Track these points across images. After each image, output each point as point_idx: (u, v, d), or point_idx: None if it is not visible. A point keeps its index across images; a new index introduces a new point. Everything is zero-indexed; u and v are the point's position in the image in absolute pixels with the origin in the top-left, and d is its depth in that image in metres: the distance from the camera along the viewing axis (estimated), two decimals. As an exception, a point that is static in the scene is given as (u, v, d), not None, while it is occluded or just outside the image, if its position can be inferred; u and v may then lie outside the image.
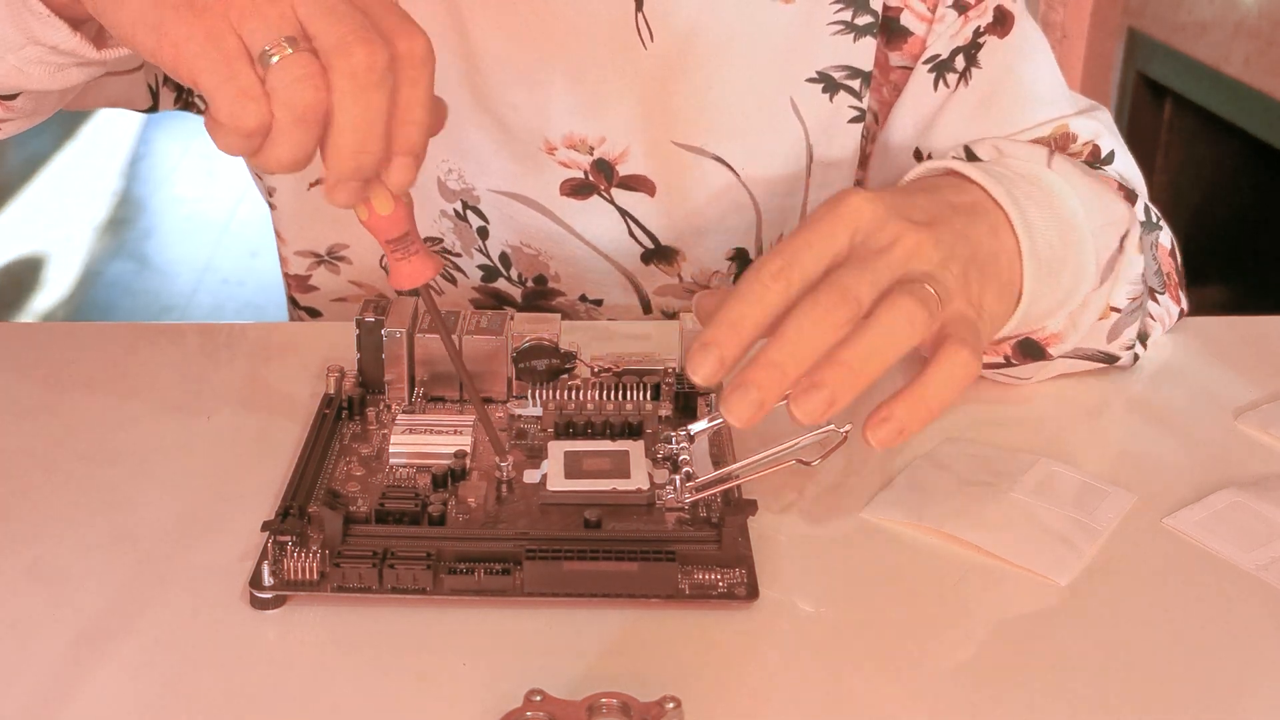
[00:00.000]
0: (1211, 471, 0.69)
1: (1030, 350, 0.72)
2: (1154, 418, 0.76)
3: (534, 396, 0.69)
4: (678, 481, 0.62)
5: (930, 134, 0.84)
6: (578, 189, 0.85)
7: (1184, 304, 0.82)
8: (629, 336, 0.82)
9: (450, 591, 0.58)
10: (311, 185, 0.89)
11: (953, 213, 0.63)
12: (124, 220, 3.41)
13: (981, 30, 0.82)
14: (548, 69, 0.82)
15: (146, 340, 0.81)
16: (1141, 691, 0.55)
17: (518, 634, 0.57)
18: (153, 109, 0.87)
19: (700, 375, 0.57)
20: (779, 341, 0.56)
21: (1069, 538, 0.63)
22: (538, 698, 0.52)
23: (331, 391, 0.70)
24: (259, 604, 0.58)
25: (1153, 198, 0.83)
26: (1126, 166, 0.83)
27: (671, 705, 0.52)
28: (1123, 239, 0.71)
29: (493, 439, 0.63)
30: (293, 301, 0.95)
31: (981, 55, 0.83)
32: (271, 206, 0.91)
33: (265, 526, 0.60)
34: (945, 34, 0.83)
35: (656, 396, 0.70)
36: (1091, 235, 0.68)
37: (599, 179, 0.85)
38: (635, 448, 0.64)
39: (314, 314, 0.94)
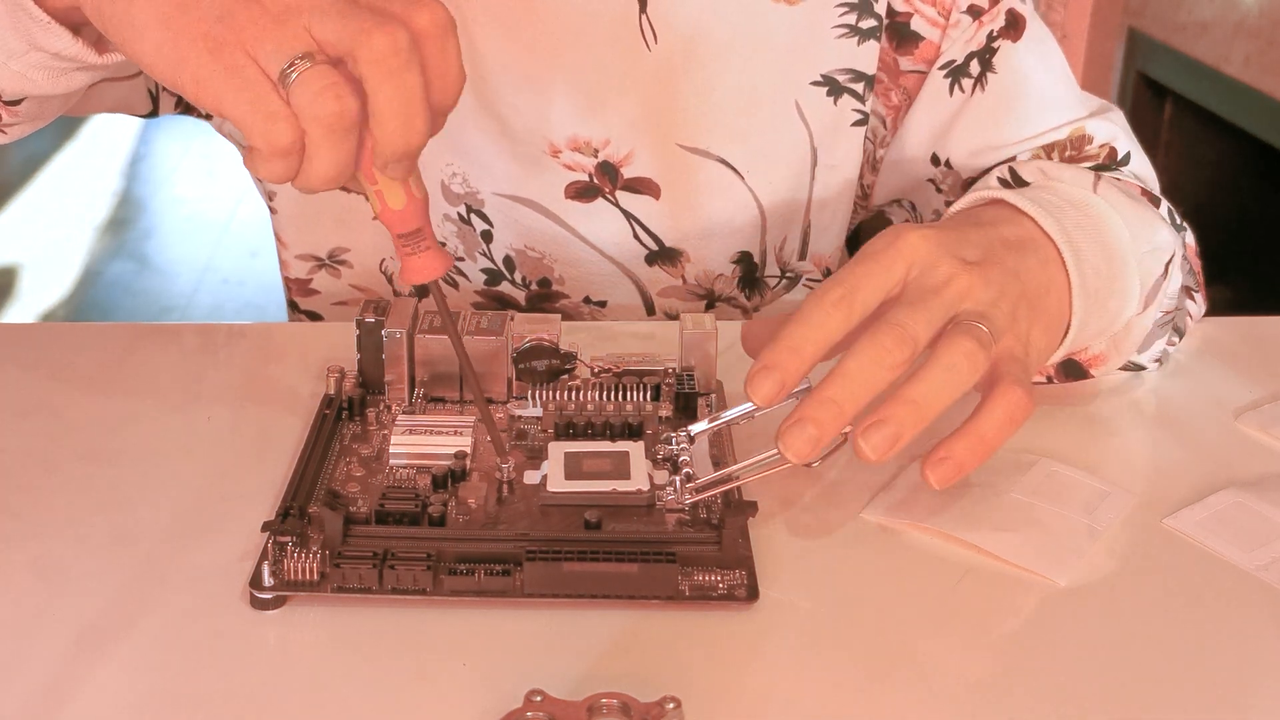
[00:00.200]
0: (1211, 471, 0.69)
1: (1073, 371, 0.72)
2: (1154, 418, 0.76)
3: (534, 397, 0.69)
4: (678, 482, 0.62)
5: (947, 139, 0.84)
6: (582, 192, 0.85)
7: (1203, 303, 0.83)
8: (630, 336, 0.82)
9: (450, 592, 0.58)
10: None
11: (1004, 249, 0.64)
12: (124, 220, 3.41)
13: (995, 34, 0.83)
14: (551, 71, 0.82)
15: (146, 340, 0.81)
16: (1142, 691, 0.55)
17: (518, 634, 0.57)
18: (153, 114, 0.87)
19: (760, 396, 0.59)
20: (838, 379, 0.58)
21: (1069, 538, 0.63)
22: (538, 698, 0.52)
23: (332, 392, 0.70)
24: (259, 604, 0.58)
25: (1154, 198, 0.83)
26: (1142, 167, 0.84)
27: (671, 705, 0.52)
28: (1167, 264, 0.72)
29: (495, 440, 0.63)
30: (293, 305, 0.95)
31: (996, 59, 0.83)
32: (272, 210, 0.91)
33: (265, 527, 0.60)
34: (960, 39, 0.83)
35: (656, 397, 0.70)
36: (1137, 262, 0.69)
37: (603, 181, 0.85)
38: (635, 449, 0.64)
39: (314, 318, 0.94)
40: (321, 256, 0.91)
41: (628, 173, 0.85)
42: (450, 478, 0.63)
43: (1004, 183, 0.74)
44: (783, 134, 0.85)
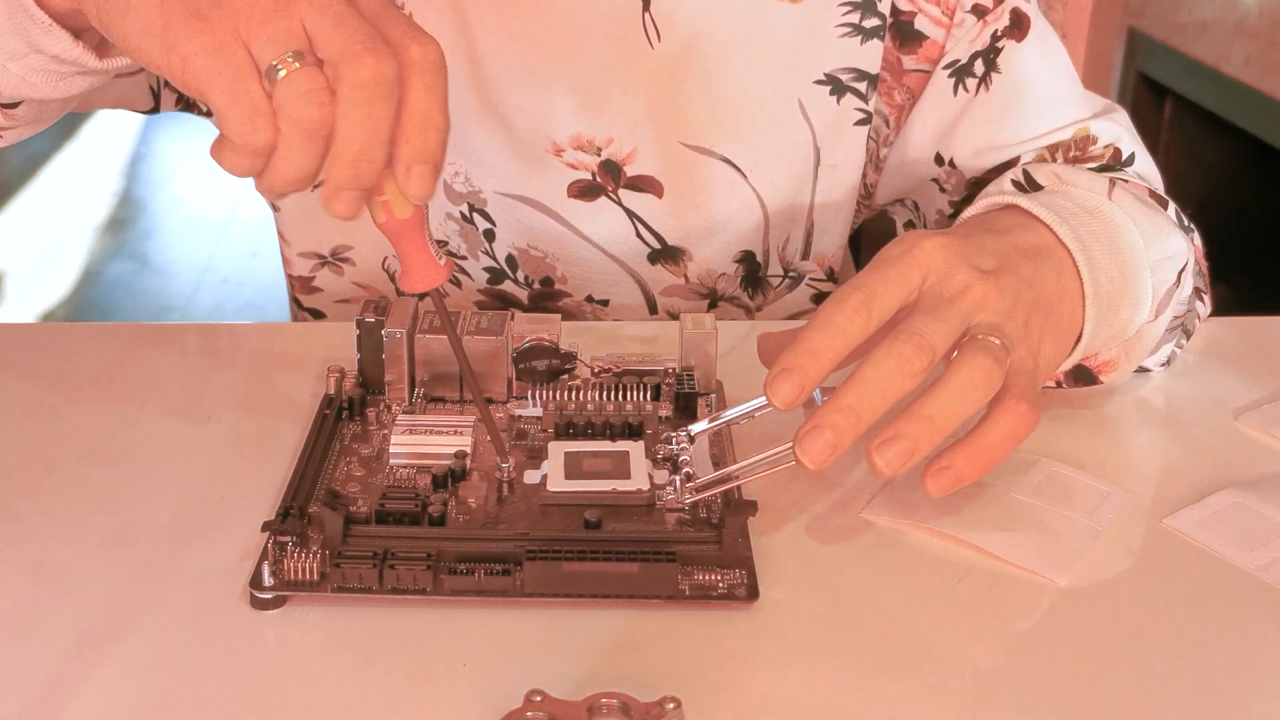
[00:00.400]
0: (1211, 471, 0.69)
1: (1082, 377, 0.72)
2: (1154, 418, 0.76)
3: (534, 397, 0.69)
4: (678, 482, 0.62)
5: (950, 139, 0.84)
6: (585, 190, 0.85)
7: (1209, 303, 0.83)
8: (632, 339, 0.82)
9: (450, 592, 0.58)
10: (314, 187, 0.89)
11: (1020, 257, 0.65)
12: (124, 220, 3.41)
13: (999, 34, 0.83)
14: (554, 70, 0.82)
15: (147, 341, 0.81)
16: (1142, 691, 0.55)
17: (518, 634, 0.57)
18: (154, 110, 0.87)
19: (779, 398, 0.59)
20: (856, 386, 0.58)
21: (1069, 538, 0.63)
22: (538, 698, 0.52)
23: (332, 392, 0.70)
24: (259, 604, 0.58)
25: (1155, 198, 0.83)
26: (1147, 168, 0.84)
27: (671, 705, 0.52)
28: (1180, 272, 0.72)
29: (495, 441, 0.63)
30: (296, 302, 0.95)
31: (1000, 59, 0.83)
32: (274, 208, 0.91)
33: (265, 527, 0.60)
34: (964, 39, 0.83)
35: (657, 397, 0.70)
36: (1150, 270, 0.69)
37: (606, 180, 0.85)
38: (635, 448, 0.64)
39: (317, 315, 0.94)
40: (324, 254, 0.91)
41: (630, 171, 0.85)
42: (450, 477, 0.63)
43: (1018, 186, 0.74)
44: (785, 133, 0.85)
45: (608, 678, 0.55)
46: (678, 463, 0.63)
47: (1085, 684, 0.55)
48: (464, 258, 0.89)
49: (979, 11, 0.82)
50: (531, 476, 0.64)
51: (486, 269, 0.89)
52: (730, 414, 0.65)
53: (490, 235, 0.88)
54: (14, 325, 0.84)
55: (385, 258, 0.91)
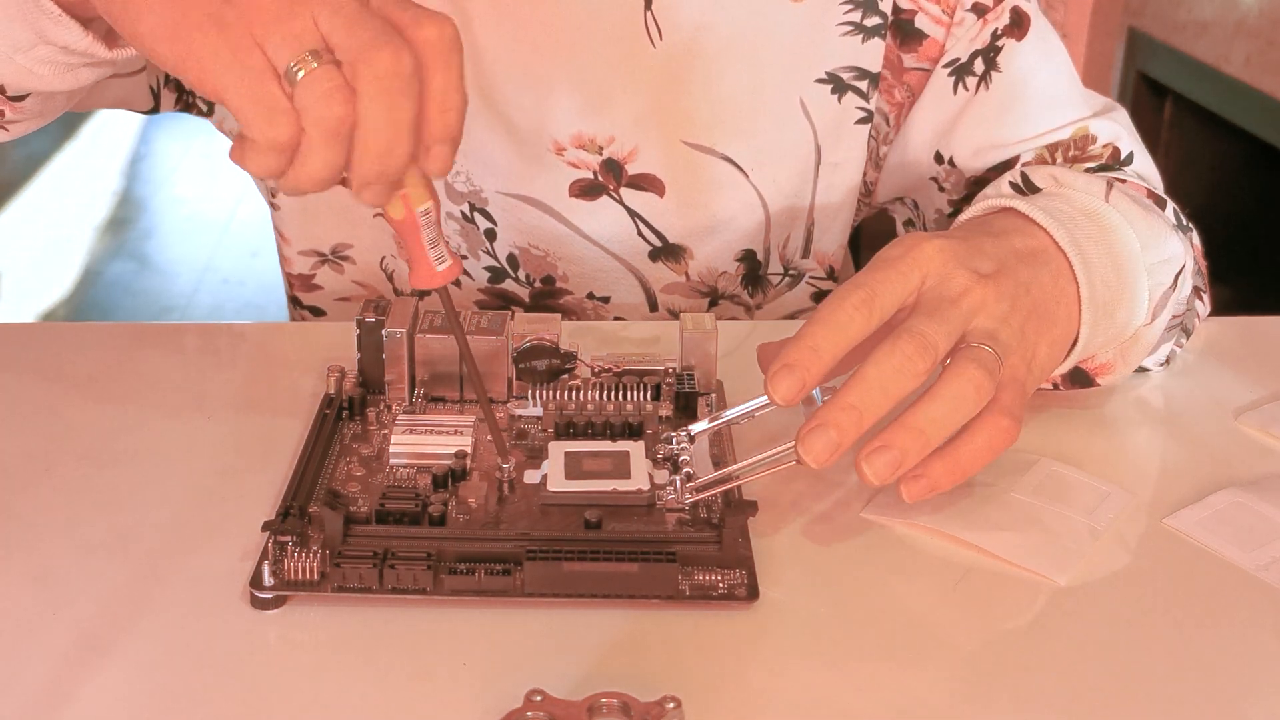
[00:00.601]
0: (1211, 471, 0.69)
1: (1079, 379, 0.73)
2: (1154, 418, 0.76)
3: (534, 397, 0.69)
4: (678, 482, 0.62)
5: (950, 137, 0.84)
6: (586, 189, 0.85)
7: (1209, 303, 0.83)
8: (633, 341, 0.82)
9: (450, 592, 0.58)
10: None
11: (1017, 261, 0.65)
12: (124, 220, 3.41)
13: (999, 33, 0.83)
14: (555, 69, 0.82)
15: (147, 340, 0.81)
16: (1142, 691, 0.55)
17: (518, 634, 0.57)
18: (154, 110, 0.87)
19: (780, 394, 0.59)
20: (859, 385, 0.59)
21: (1069, 538, 0.63)
22: (538, 698, 0.52)
23: (332, 392, 0.70)
24: (259, 604, 0.58)
25: (1155, 198, 0.83)
26: (1146, 167, 0.84)
27: (671, 705, 0.52)
28: (1177, 275, 0.72)
29: (497, 441, 0.63)
30: (294, 301, 0.95)
31: (1000, 58, 0.83)
32: (273, 206, 0.91)
33: (266, 526, 0.60)
34: (964, 37, 0.83)
35: (657, 397, 0.70)
36: (1146, 273, 0.69)
37: (608, 179, 0.85)
38: (635, 448, 0.64)
39: (317, 313, 0.94)
40: (324, 252, 0.91)
41: (632, 170, 0.85)
42: (450, 477, 0.63)
43: (1016, 188, 0.74)
44: (787, 131, 0.85)
45: (608, 678, 0.55)
46: (678, 463, 0.63)
47: (1085, 683, 0.55)
48: (465, 257, 0.89)
49: (979, 10, 0.82)
50: (532, 476, 0.64)
51: (487, 268, 0.89)
52: (730, 414, 0.65)
53: (491, 234, 0.88)
54: (14, 325, 0.84)
55: (384, 256, 0.91)
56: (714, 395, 0.71)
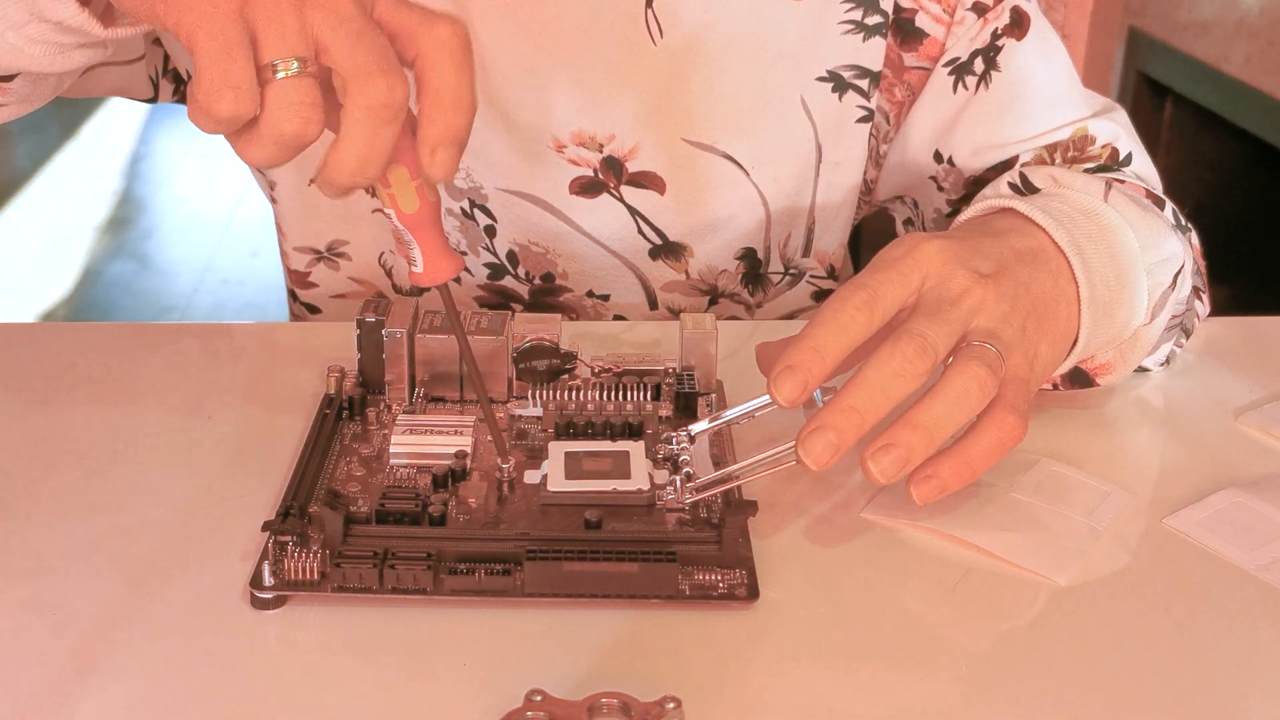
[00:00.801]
0: (1211, 471, 0.69)
1: (1079, 379, 0.73)
2: (1154, 418, 0.76)
3: (534, 397, 0.69)
4: (678, 482, 0.62)
5: (950, 137, 0.85)
6: (587, 187, 0.86)
7: (1208, 302, 0.83)
8: (634, 343, 0.82)
9: (450, 592, 0.58)
10: (311, 181, 0.89)
11: (1016, 261, 0.65)
12: (124, 220, 3.41)
13: (999, 32, 0.83)
14: (556, 66, 0.82)
15: (147, 340, 0.81)
16: (1142, 691, 0.55)
17: (518, 634, 0.57)
18: (152, 99, 0.87)
19: (783, 395, 0.59)
20: (860, 387, 0.59)
21: (1069, 538, 0.63)
22: (538, 698, 0.52)
23: (332, 392, 0.70)
24: (259, 604, 0.58)
25: (1154, 198, 0.83)
26: (1145, 168, 0.84)
27: (671, 705, 0.52)
28: (1176, 275, 0.72)
29: (497, 441, 0.63)
30: (292, 295, 0.95)
31: (1000, 58, 0.83)
32: (273, 200, 0.91)
33: (266, 526, 0.60)
34: (964, 36, 0.83)
35: (657, 397, 0.70)
36: (1145, 273, 0.69)
37: (608, 177, 0.85)
38: (635, 448, 0.64)
39: (313, 310, 0.94)
40: (320, 249, 0.91)
41: (632, 167, 0.85)
42: (450, 477, 0.63)
43: (1015, 189, 0.74)
44: (788, 130, 0.85)
45: (608, 678, 0.55)
46: (678, 463, 0.63)
47: (1085, 683, 0.55)
48: (465, 254, 0.89)
49: (979, 9, 0.83)
50: (532, 476, 0.64)
51: (487, 265, 0.89)
52: (730, 414, 0.65)
53: (491, 231, 0.88)
54: (14, 325, 0.84)
55: (382, 253, 0.91)
56: (714, 395, 0.71)
